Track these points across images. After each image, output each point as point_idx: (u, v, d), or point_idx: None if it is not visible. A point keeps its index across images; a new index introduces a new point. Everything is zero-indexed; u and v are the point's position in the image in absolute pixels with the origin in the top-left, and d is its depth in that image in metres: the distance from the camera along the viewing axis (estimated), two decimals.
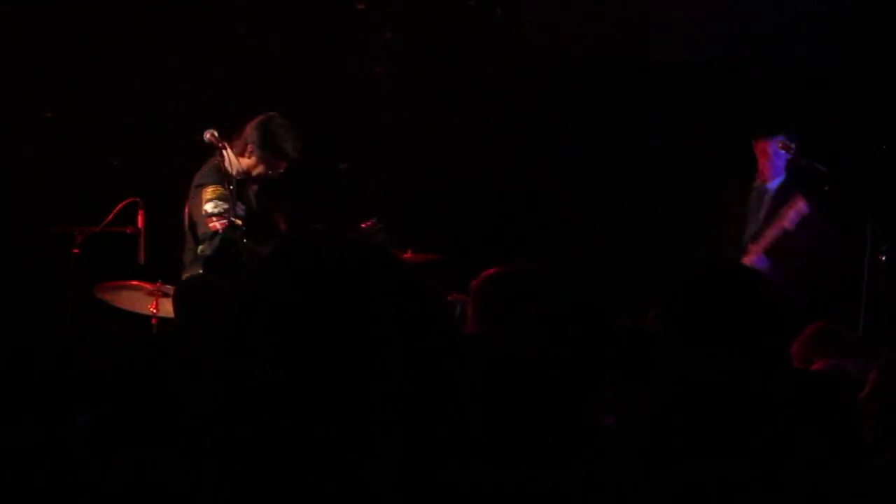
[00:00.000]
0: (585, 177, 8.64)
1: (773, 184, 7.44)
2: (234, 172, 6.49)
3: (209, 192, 6.40)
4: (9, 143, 7.95)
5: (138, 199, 6.97)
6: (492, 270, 4.21)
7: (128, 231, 6.97)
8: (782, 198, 7.33)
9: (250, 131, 6.63)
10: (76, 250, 7.06)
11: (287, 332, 1.45)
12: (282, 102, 8.17)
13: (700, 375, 2.79)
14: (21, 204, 7.82)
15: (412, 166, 8.47)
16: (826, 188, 7.18)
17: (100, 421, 2.76)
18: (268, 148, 6.62)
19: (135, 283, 6.78)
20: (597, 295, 3.56)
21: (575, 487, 2.48)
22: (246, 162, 6.61)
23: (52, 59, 8.04)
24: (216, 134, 6.50)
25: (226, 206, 6.34)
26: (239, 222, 6.35)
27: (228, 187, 6.39)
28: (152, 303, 6.69)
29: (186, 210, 6.60)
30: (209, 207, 6.36)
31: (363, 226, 6.76)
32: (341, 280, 1.48)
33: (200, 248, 6.39)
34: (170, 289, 6.49)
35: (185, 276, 6.39)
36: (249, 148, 6.62)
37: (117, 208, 6.85)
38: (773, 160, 7.40)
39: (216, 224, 6.33)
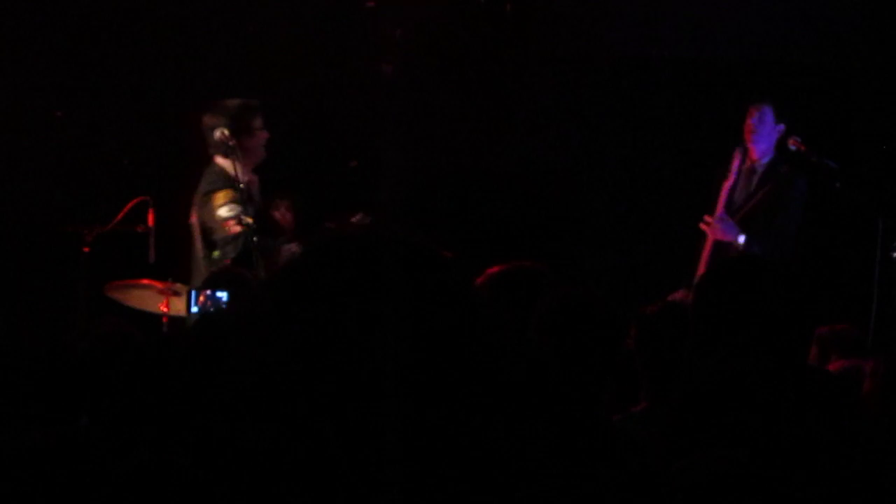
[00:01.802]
0: (594, 175, 8.63)
1: (762, 162, 7.31)
2: (240, 177, 6.47)
3: (220, 197, 6.39)
4: (19, 142, 7.97)
5: (148, 198, 6.98)
6: (497, 268, 4.21)
7: (138, 230, 6.97)
8: (770, 175, 7.23)
9: (214, 135, 6.48)
10: (86, 249, 7.07)
11: (320, 322, 1.45)
12: (292, 100, 8.19)
13: (724, 377, 2.78)
14: (31, 203, 7.84)
15: (421, 164, 8.47)
16: (837, 185, 7.15)
17: (103, 419, 2.77)
18: (241, 126, 6.50)
19: (145, 281, 6.77)
20: (602, 292, 3.55)
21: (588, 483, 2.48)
22: (240, 162, 6.50)
23: (62, 57, 8.05)
24: (226, 132, 6.49)
25: (239, 209, 6.34)
26: (250, 220, 6.36)
27: (238, 188, 6.39)
28: (163, 301, 6.69)
29: (194, 218, 6.56)
30: (224, 212, 6.36)
31: (352, 220, 6.73)
32: (380, 273, 1.48)
33: (216, 253, 6.38)
34: (180, 287, 6.50)
35: (194, 280, 6.38)
36: (223, 139, 6.46)
37: (127, 207, 6.86)
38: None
39: (235, 227, 6.32)
